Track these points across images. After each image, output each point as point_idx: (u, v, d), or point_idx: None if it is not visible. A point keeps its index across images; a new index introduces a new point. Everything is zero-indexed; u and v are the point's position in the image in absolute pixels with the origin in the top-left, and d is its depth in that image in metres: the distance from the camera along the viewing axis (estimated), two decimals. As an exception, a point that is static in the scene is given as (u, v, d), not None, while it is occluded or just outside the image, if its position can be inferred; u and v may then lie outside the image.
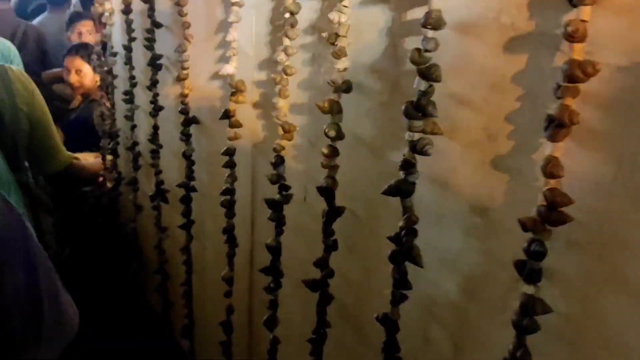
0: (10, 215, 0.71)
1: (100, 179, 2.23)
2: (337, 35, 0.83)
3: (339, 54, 0.83)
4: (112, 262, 2.15)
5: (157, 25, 1.50)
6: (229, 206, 1.24)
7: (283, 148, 1.00)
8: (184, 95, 1.40)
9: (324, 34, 0.84)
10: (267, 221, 1.20)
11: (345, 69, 0.84)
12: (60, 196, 2.04)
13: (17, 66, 2.18)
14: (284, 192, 1.03)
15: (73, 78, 2.55)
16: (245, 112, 1.18)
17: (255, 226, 1.26)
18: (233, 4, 1.09)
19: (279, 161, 1.01)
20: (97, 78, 2.57)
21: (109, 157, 2.12)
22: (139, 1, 1.65)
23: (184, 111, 1.41)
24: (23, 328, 0.76)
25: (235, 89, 1.15)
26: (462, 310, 0.77)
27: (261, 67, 1.11)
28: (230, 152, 1.20)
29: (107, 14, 1.86)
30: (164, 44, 1.55)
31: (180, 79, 1.39)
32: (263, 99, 1.13)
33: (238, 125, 1.18)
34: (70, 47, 2.73)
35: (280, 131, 1.00)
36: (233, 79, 1.15)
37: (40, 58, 2.72)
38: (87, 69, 2.55)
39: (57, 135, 1.56)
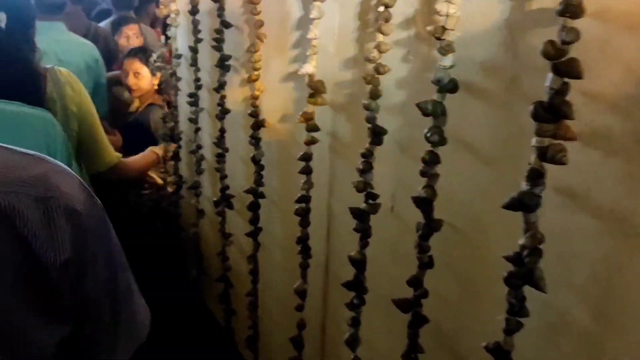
0: (93, 207, 0.67)
1: (160, 182, 2.21)
2: (444, 29, 0.74)
3: (446, 50, 0.74)
4: (172, 267, 2.13)
5: (227, 25, 1.45)
6: (304, 214, 1.16)
7: (372, 153, 0.92)
8: (254, 97, 1.34)
9: (429, 28, 0.76)
10: (344, 231, 1.12)
11: (451, 67, 0.75)
12: (117, 199, 2.03)
13: (101, 68, 2.23)
14: (370, 201, 0.95)
15: (131, 81, 2.56)
16: (323, 115, 1.11)
17: (331, 236, 1.19)
18: (315, -1, 1.02)
19: (367, 168, 0.93)
20: (155, 81, 2.58)
21: (170, 161, 2.10)
22: (206, 1, 1.61)
23: (254, 114, 1.35)
24: (101, 328, 0.72)
25: (314, 90, 1.08)
26: (595, 342, 0.66)
27: (345, 66, 1.03)
28: (307, 157, 1.12)
29: (172, 15, 1.84)
30: (232, 44, 1.50)
31: (251, 80, 1.33)
32: (346, 100, 1.05)
33: (316, 128, 1.11)
34: (130, 50, 2.75)
35: (370, 135, 0.91)
36: (312, 79, 1.07)
37: (107, 59, 2.76)
38: (145, 71, 2.56)
39: (103, 134, 1.55)
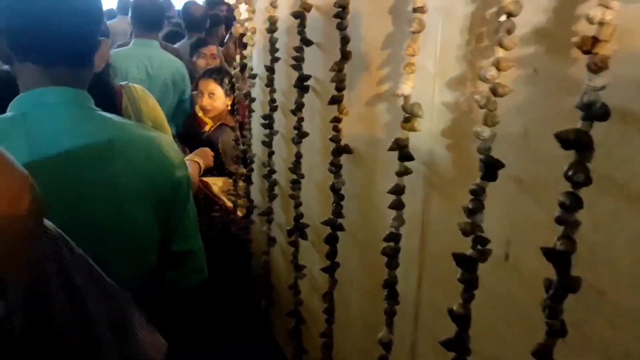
0: (40, 240, 0.61)
1: (230, 205, 2.14)
2: (595, 40, 0.58)
3: (599, 66, 0.58)
4: (240, 294, 2.03)
5: (308, 42, 1.35)
6: (393, 255, 1.02)
7: (484, 190, 0.77)
8: (337, 121, 1.21)
9: (575, 39, 0.60)
10: (440, 278, 0.97)
11: (603, 87, 0.60)
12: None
13: (187, 85, 2.40)
14: (479, 247, 0.80)
15: (205, 101, 2.55)
16: (418, 142, 0.97)
17: (423, 282, 1.03)
18: (415, 10, 0.89)
19: (477, 207, 0.77)
20: (229, 101, 2.55)
21: (241, 184, 2.02)
22: (284, 18, 1.52)
23: (336, 139, 1.23)
24: None
25: (409, 114, 0.94)
26: None
27: (448, 86, 0.89)
28: (398, 190, 0.98)
29: (248, 34, 1.76)
30: (311, 63, 1.39)
31: (333, 102, 1.21)
32: (448, 126, 0.91)
33: (410, 157, 0.97)
34: (205, 70, 2.75)
35: (482, 168, 0.76)
36: (408, 102, 0.94)
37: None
38: (219, 92, 2.55)
39: None
